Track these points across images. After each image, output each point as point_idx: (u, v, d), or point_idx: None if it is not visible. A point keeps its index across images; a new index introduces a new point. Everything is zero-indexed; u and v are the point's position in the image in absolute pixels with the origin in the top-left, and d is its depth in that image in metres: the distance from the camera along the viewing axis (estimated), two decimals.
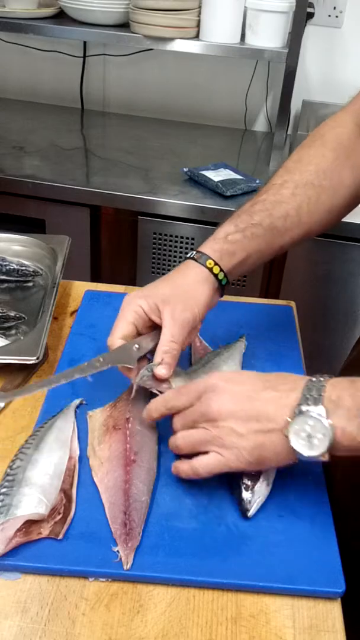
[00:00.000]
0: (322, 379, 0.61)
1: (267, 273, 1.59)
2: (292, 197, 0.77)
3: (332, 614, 0.57)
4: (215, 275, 0.75)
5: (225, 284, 0.76)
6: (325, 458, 0.59)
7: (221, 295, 0.78)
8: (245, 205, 0.79)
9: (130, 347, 0.72)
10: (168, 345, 0.71)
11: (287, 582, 0.58)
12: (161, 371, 0.71)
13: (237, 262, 0.76)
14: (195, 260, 0.75)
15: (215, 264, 0.74)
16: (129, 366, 0.72)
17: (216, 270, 0.74)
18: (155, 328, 0.74)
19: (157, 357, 0.71)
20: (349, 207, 0.81)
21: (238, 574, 0.59)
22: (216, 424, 0.62)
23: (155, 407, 0.69)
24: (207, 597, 0.58)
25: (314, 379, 0.61)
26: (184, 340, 0.73)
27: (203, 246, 0.77)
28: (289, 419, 0.59)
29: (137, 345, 0.72)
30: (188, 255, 0.77)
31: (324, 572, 0.59)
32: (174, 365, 0.72)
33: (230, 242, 0.75)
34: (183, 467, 0.65)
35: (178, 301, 0.72)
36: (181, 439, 0.65)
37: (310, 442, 0.58)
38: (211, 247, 0.76)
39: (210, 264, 0.74)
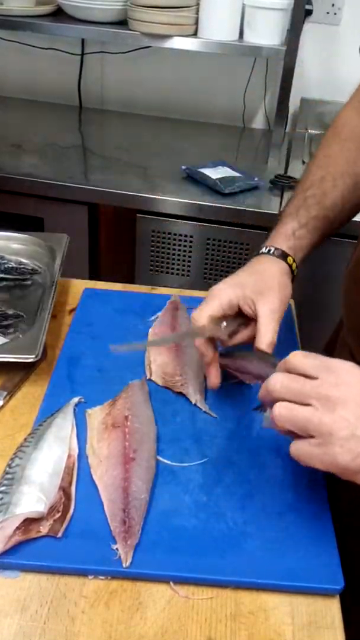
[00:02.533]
0: None
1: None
2: (334, 188, 0.84)
3: (331, 610, 0.58)
4: (292, 271, 0.80)
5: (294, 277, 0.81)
6: None
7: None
8: (296, 200, 0.85)
9: (219, 324, 0.74)
10: (272, 337, 0.73)
11: (286, 579, 0.59)
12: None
13: (304, 256, 0.82)
14: (275, 256, 0.80)
15: (294, 260, 0.80)
16: (222, 337, 0.74)
17: (294, 266, 0.80)
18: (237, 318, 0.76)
19: (266, 349, 0.72)
20: None
21: (237, 571, 0.59)
22: (331, 407, 0.54)
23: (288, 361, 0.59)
24: (206, 595, 0.58)
25: None
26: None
27: (275, 242, 0.81)
28: None
29: (224, 323, 0.74)
30: (265, 251, 0.81)
31: (323, 568, 0.59)
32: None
33: (298, 239, 0.82)
34: (282, 408, 0.57)
35: (273, 294, 0.75)
36: (282, 408, 0.56)
37: None
38: (285, 243, 0.81)
39: (290, 260, 0.80)
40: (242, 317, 0.76)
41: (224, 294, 0.74)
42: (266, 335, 0.72)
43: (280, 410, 0.57)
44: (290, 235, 0.81)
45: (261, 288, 0.75)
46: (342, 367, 0.57)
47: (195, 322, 0.74)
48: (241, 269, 0.79)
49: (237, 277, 0.77)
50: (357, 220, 0.92)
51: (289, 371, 0.59)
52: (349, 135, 0.87)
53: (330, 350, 0.93)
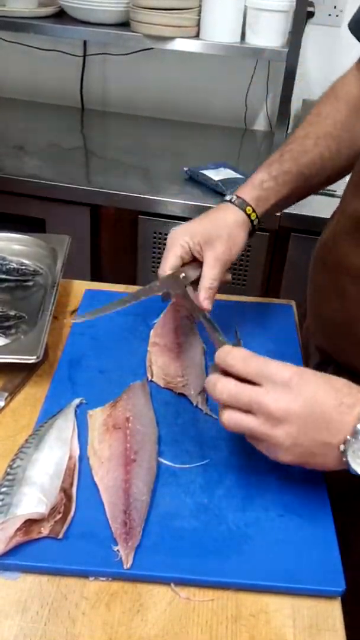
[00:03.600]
0: None
1: (267, 273, 1.59)
2: (315, 146, 0.85)
3: (332, 613, 0.57)
4: (252, 221, 0.82)
5: (256, 229, 0.84)
6: None
7: (250, 238, 0.85)
8: (274, 155, 0.86)
9: (177, 275, 0.79)
10: (210, 283, 0.78)
11: (288, 581, 0.58)
12: (206, 304, 0.77)
13: (269, 207, 0.83)
14: (235, 204, 0.82)
15: (253, 210, 0.82)
16: (178, 292, 0.79)
17: (253, 216, 0.82)
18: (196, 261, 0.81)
19: (202, 293, 0.77)
20: None
21: (238, 573, 0.59)
22: (275, 422, 0.58)
23: (219, 355, 0.63)
24: (207, 596, 0.58)
25: None
26: (222, 278, 0.80)
27: (240, 191, 0.83)
28: (349, 437, 0.57)
29: (183, 274, 0.79)
30: (227, 199, 0.83)
31: (324, 571, 0.59)
32: (214, 299, 0.78)
33: (265, 190, 0.83)
34: (230, 418, 0.61)
35: (220, 242, 0.79)
36: (229, 419, 0.60)
37: None
38: (249, 193, 0.83)
39: (249, 210, 0.81)
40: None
41: (177, 243, 0.79)
42: (204, 279, 0.77)
43: (228, 420, 0.61)
44: (257, 185, 0.83)
45: (211, 236, 0.79)
46: (282, 374, 0.59)
47: (160, 276, 0.79)
48: (200, 215, 0.83)
49: (192, 223, 0.82)
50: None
51: (229, 370, 0.62)
52: (344, 98, 0.87)
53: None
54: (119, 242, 1.63)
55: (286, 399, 0.58)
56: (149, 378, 0.82)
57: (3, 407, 0.77)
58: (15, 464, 0.65)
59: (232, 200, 0.82)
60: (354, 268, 0.75)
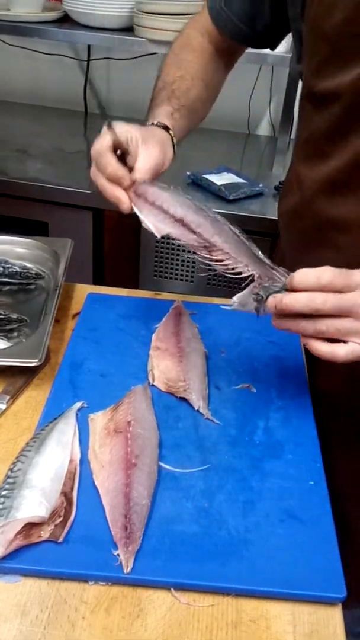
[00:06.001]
0: None
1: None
2: (193, 86, 0.94)
3: (333, 619, 0.57)
4: (174, 145, 0.88)
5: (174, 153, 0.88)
6: None
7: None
8: (163, 92, 0.93)
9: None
10: (150, 163, 0.81)
11: (288, 587, 0.58)
12: (139, 173, 0.80)
13: (179, 139, 0.90)
14: (161, 127, 0.87)
15: (174, 136, 0.88)
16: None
17: (174, 141, 0.88)
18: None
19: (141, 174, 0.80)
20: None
21: (238, 578, 0.58)
22: None
23: (299, 279, 0.65)
24: (207, 602, 0.58)
25: None
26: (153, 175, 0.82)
27: (158, 119, 0.88)
28: None
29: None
30: (154, 124, 0.87)
31: (325, 577, 0.59)
32: (148, 177, 0.81)
33: (175, 120, 0.90)
34: (323, 348, 0.64)
35: (154, 144, 0.82)
36: (327, 324, 0.63)
37: None
38: (169, 123, 0.88)
39: (172, 134, 0.87)
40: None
41: (117, 127, 0.80)
42: (142, 162, 0.79)
43: (320, 326, 0.64)
44: (169, 115, 0.89)
45: (147, 137, 0.82)
46: None
47: (95, 152, 0.79)
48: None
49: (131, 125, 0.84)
50: None
51: (310, 288, 0.63)
52: (199, 48, 0.97)
53: None
54: (121, 245, 1.64)
55: None
56: (151, 382, 0.82)
57: (4, 410, 0.77)
58: (16, 467, 0.65)
59: (157, 124, 0.87)
60: (341, 219, 0.80)
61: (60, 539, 0.60)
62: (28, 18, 1.68)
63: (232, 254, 0.73)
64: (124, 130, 0.80)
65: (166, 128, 0.87)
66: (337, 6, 0.70)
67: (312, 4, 0.74)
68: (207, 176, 1.59)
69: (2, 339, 0.87)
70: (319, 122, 0.80)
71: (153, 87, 0.96)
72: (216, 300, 1.04)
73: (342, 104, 0.75)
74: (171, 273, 1.61)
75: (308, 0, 0.75)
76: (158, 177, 0.83)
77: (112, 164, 0.77)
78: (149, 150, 0.81)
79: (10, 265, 1.01)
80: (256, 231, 1.49)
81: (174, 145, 0.87)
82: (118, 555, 0.59)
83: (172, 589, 0.58)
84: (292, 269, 0.68)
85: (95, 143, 0.78)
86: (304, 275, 0.64)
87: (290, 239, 0.95)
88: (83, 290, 1.02)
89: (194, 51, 0.97)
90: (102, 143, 0.77)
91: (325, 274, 0.63)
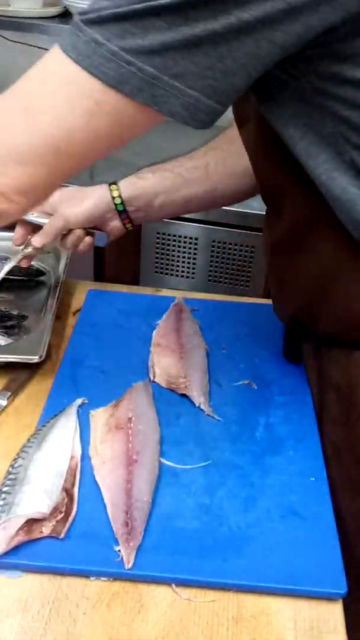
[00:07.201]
0: None
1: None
2: (203, 156, 0.91)
3: (333, 615, 0.57)
4: (113, 198, 0.88)
5: (122, 210, 0.89)
6: None
7: (123, 223, 0.91)
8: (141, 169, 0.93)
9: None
10: (45, 239, 0.86)
11: (289, 582, 0.58)
12: (36, 240, 0.86)
13: (138, 193, 0.88)
14: (106, 183, 0.89)
15: (117, 189, 0.88)
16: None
17: (115, 194, 0.88)
18: None
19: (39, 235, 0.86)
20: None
21: (239, 574, 0.59)
22: None
23: None
24: (208, 597, 0.58)
25: None
26: (59, 229, 0.87)
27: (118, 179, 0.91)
28: None
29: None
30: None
31: (326, 572, 0.59)
32: (42, 245, 0.87)
33: (138, 178, 0.89)
34: None
35: (67, 202, 0.87)
36: None
37: None
38: (124, 178, 0.90)
39: (113, 188, 0.88)
40: None
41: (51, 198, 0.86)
42: (42, 232, 0.86)
43: None
44: (134, 175, 0.90)
45: (69, 195, 0.87)
46: None
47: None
48: None
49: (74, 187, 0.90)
50: None
51: None
52: (232, 137, 0.90)
53: None
54: (122, 242, 1.63)
55: None
56: (152, 378, 0.82)
57: (5, 407, 0.77)
58: (17, 464, 0.65)
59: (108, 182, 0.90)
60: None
61: (62, 535, 0.60)
62: (28, 14, 1.68)
63: None
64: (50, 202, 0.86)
65: (110, 184, 0.89)
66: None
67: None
68: None
69: (3, 335, 0.87)
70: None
71: None
72: (217, 297, 1.04)
73: None
74: (172, 270, 1.61)
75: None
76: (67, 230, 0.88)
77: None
78: (62, 205, 0.86)
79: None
80: (256, 227, 1.49)
81: (114, 197, 0.88)
82: (119, 551, 0.59)
83: (173, 585, 0.58)
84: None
85: None
86: None
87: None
88: (84, 287, 1.02)
89: (227, 137, 0.95)
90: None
91: None
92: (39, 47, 2.01)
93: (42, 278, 1.01)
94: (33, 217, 0.87)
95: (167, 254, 1.59)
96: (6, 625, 0.54)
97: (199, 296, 1.04)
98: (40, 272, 1.01)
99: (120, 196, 0.88)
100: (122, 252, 1.65)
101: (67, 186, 0.89)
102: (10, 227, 1.05)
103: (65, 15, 1.73)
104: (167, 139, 1.93)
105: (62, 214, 0.86)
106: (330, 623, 0.57)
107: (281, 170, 0.65)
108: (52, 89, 0.54)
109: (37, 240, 0.86)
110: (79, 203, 0.87)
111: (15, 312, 0.91)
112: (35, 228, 0.88)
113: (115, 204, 0.88)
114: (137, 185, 0.88)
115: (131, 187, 0.88)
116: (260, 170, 0.72)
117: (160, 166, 0.90)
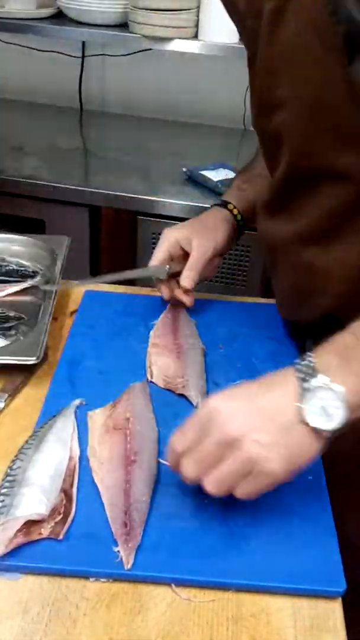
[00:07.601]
0: (305, 356, 0.59)
1: (267, 273, 1.59)
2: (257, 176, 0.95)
3: (333, 614, 0.57)
4: (235, 216, 0.97)
5: (242, 224, 0.98)
6: (350, 420, 0.57)
7: (239, 235, 0.99)
8: (235, 181, 1.03)
9: (163, 266, 0.93)
10: (189, 282, 0.92)
11: (288, 581, 0.58)
12: (184, 282, 0.92)
13: (249, 205, 0.95)
14: (219, 205, 0.98)
15: (235, 207, 0.97)
16: (161, 277, 0.94)
17: (235, 212, 0.97)
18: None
19: (183, 275, 0.92)
20: None
21: (239, 573, 0.59)
22: (238, 444, 0.57)
23: (170, 461, 0.63)
24: (207, 597, 0.58)
25: (298, 360, 0.60)
26: (205, 264, 0.93)
27: (224, 196, 1.00)
28: (299, 404, 0.57)
29: (168, 266, 0.93)
30: (214, 204, 0.99)
31: (325, 571, 0.59)
32: (195, 280, 0.92)
33: (241, 190, 0.98)
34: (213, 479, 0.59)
35: (205, 232, 0.93)
36: (212, 483, 0.59)
37: (327, 415, 0.56)
38: (229, 195, 0.99)
39: (231, 207, 0.97)
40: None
41: (168, 237, 0.93)
42: (185, 274, 0.92)
43: (211, 488, 0.59)
44: (234, 188, 0.99)
45: (197, 229, 0.93)
46: (210, 412, 0.59)
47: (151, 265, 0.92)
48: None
49: (186, 223, 0.96)
50: None
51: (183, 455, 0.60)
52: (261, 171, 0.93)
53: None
54: (118, 243, 1.63)
55: (229, 421, 0.58)
56: (149, 379, 0.82)
57: (3, 409, 0.77)
58: (16, 465, 0.65)
59: (216, 203, 0.98)
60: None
61: (61, 536, 0.60)
62: (22, 15, 1.68)
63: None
64: (173, 241, 0.92)
65: (225, 204, 0.96)
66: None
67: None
68: (204, 172, 1.58)
69: None
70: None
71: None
72: (214, 296, 1.04)
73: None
74: None
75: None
76: (214, 257, 0.95)
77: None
78: (199, 240, 0.92)
79: (7, 264, 1.01)
80: (251, 227, 1.49)
81: (235, 216, 0.96)
82: (118, 551, 0.59)
83: (173, 585, 0.58)
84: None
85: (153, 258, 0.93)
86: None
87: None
88: (80, 288, 1.02)
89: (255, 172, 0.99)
90: (158, 258, 0.92)
91: (174, 443, 0.61)
92: (33, 48, 2.01)
93: (38, 279, 1.01)
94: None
95: None
96: (6, 627, 0.54)
97: (196, 296, 1.04)
98: (36, 274, 1.01)
99: (239, 212, 0.97)
100: (118, 252, 1.65)
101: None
102: (10, 228, 1.05)
103: (59, 16, 1.73)
104: (162, 141, 1.94)
105: (203, 245, 0.92)
106: (330, 621, 0.57)
107: (336, 150, 0.67)
108: None
109: (186, 281, 0.92)
110: (214, 232, 0.94)
111: (12, 314, 0.91)
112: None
113: (237, 220, 0.97)
114: (249, 200, 0.96)
115: (241, 202, 0.97)
116: (303, 150, 0.72)
117: (250, 174, 0.98)
